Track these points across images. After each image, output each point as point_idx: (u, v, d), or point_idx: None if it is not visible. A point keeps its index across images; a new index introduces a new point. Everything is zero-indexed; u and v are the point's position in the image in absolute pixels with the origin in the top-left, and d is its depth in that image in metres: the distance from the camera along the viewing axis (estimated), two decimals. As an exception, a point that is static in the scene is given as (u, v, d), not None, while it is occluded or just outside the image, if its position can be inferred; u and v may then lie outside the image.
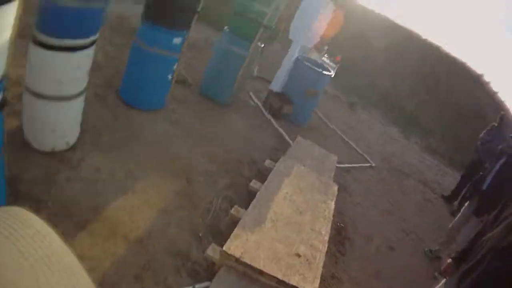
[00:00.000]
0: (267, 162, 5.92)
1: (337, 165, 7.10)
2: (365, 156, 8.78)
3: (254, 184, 5.20)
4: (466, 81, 16.42)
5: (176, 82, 6.67)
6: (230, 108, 7.66)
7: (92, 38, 4.00)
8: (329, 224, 4.74)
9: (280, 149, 6.91)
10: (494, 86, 17.15)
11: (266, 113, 8.23)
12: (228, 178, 5.46)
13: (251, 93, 8.96)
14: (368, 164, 8.46)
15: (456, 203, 8.83)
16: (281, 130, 7.75)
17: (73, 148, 4.45)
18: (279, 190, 4.91)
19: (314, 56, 10.66)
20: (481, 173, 6.43)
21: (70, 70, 3.94)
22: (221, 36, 7.43)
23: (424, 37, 18.49)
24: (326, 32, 11.09)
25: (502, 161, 5.84)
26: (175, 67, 6.04)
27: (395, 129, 12.88)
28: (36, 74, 3.87)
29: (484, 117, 14.98)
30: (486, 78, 17.40)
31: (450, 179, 10.69)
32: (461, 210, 6.30)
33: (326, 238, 4.44)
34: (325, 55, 11.47)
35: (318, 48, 11.14)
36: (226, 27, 7.39)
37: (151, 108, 6.13)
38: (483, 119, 14.98)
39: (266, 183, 4.98)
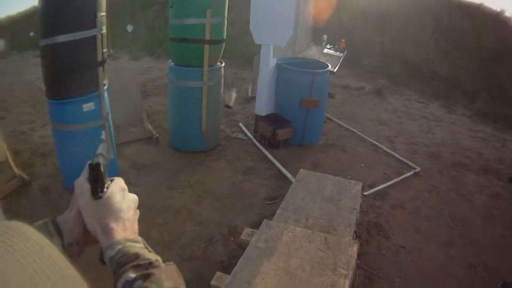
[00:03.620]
0: (246, 233, 4.13)
1: (365, 193, 5.24)
2: (406, 161, 6.61)
3: (216, 280, 3.45)
4: (488, 23, 14.28)
5: (140, 141, 6.28)
6: (211, 155, 6.16)
7: None
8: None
9: (279, 197, 5.06)
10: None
11: (259, 146, 6.43)
12: (190, 270, 3.87)
13: (240, 124, 7.25)
14: (412, 172, 6.24)
15: None
16: (279, 166, 5.88)
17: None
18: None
19: (312, 51, 8.93)
20: None
21: None
22: (168, 72, 6.06)
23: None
24: (319, 16, 9.52)
25: None
26: (103, 136, 4.60)
27: (437, 103, 10.77)
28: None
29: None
30: (507, 13, 15.20)
31: (512, 146, 8.58)
32: None
33: None
34: (327, 46, 9.61)
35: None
36: (169, 61, 6.06)
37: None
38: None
39: (230, 278, 3.22)
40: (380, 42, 13.68)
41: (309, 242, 3.69)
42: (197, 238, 4.36)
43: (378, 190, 5.59)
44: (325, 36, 9.89)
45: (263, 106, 6.71)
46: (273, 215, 4.24)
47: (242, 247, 3.95)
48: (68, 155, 4.83)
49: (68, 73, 4.44)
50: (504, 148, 8.30)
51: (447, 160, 7.01)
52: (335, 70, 7.46)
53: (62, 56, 4.36)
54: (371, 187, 5.61)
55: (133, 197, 1.03)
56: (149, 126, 6.53)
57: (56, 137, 4.93)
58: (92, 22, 4.32)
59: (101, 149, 1.05)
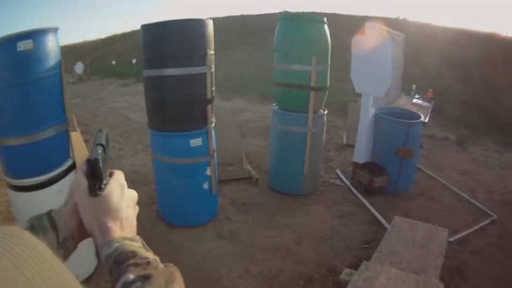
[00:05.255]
0: (345, 273, 4.56)
1: (450, 239, 5.56)
2: (484, 209, 6.76)
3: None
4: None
5: (239, 180, 6.38)
6: (310, 198, 6.49)
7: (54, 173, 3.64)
8: None
9: (374, 241, 5.42)
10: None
11: (356, 193, 6.76)
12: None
13: (337, 171, 7.66)
14: (489, 219, 6.44)
15: None
16: (375, 212, 6.17)
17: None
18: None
19: (403, 101, 9.30)
20: None
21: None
22: (272, 115, 6.41)
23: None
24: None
25: None
26: (208, 172, 5.19)
27: (512, 152, 10.54)
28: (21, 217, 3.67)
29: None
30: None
31: None
32: None
33: None
34: (416, 96, 9.97)
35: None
36: (273, 104, 6.41)
37: (195, 224, 5.38)
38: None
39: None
40: (462, 90, 13.59)
41: (403, 282, 4.11)
42: (296, 276, 4.51)
43: (460, 238, 5.85)
44: (414, 86, 10.09)
45: (361, 154, 6.89)
46: (369, 257, 4.55)
47: (340, 286, 4.42)
48: (166, 186, 5.18)
49: (177, 107, 4.72)
50: None
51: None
52: (426, 121, 7.73)
53: (171, 89, 4.66)
54: (454, 233, 5.84)
55: (133, 194, 0.99)
56: (248, 166, 6.85)
57: (156, 168, 5.22)
58: (202, 60, 4.61)
59: (100, 138, 0.97)
